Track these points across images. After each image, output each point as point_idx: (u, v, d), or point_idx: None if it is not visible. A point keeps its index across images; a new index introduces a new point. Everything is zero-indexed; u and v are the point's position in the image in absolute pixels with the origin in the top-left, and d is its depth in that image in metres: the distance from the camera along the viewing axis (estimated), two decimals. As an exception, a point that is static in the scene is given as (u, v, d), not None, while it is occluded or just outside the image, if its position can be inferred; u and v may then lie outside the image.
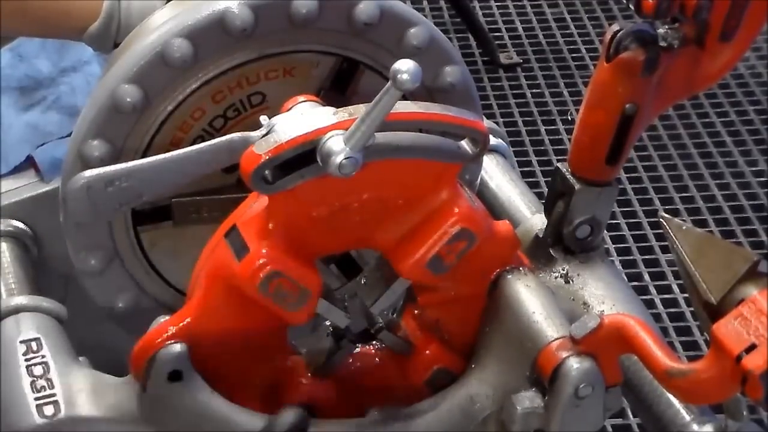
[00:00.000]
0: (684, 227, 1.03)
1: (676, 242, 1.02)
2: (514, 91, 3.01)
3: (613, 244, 2.62)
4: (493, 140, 1.40)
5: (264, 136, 1.00)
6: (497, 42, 3.13)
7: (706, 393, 0.96)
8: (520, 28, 3.24)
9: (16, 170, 1.43)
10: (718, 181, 2.78)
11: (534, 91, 2.99)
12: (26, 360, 1.10)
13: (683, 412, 1.12)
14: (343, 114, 0.99)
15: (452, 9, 3.16)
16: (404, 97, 0.97)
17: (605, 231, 2.59)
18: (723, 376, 0.92)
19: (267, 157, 0.97)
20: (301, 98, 1.06)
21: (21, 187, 1.40)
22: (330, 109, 1.01)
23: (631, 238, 2.61)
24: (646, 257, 2.54)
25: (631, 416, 2.21)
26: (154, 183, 1.02)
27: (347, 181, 0.98)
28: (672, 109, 2.98)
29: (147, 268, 1.23)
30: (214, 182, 1.19)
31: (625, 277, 2.48)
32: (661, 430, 1.13)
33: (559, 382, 1.01)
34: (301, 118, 1.00)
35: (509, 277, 1.08)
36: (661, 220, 1.05)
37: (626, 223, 2.66)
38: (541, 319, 1.05)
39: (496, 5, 3.32)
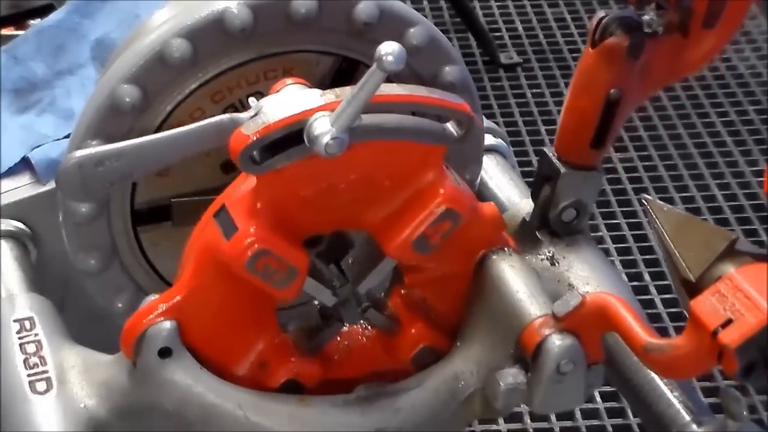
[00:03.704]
0: (665, 208, 1.06)
1: (658, 222, 1.04)
2: (515, 91, 3.01)
3: (613, 244, 2.62)
4: (493, 140, 1.42)
5: (252, 117, 1.02)
6: (497, 42, 3.14)
7: (684, 367, 0.97)
8: (520, 28, 3.24)
9: (11, 172, 1.43)
10: (718, 181, 2.78)
11: (534, 91, 3.00)
12: (20, 338, 1.12)
13: (683, 412, 1.13)
14: (329, 96, 1.01)
15: (452, 9, 3.16)
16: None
17: (605, 231, 2.61)
18: (700, 350, 0.94)
19: (255, 138, 0.99)
20: (289, 81, 1.08)
21: (20, 188, 1.41)
22: (317, 91, 1.03)
23: (632, 238, 2.61)
24: (646, 257, 2.54)
25: (631, 416, 2.22)
26: (143, 163, 1.04)
27: (334, 162, 1.00)
28: (672, 109, 2.98)
29: (147, 268, 1.25)
30: (214, 182, 1.20)
31: (626, 275, 2.49)
32: (661, 430, 1.14)
33: (542, 359, 1.03)
34: (288, 100, 1.02)
35: (494, 257, 1.10)
36: (643, 201, 1.07)
37: (626, 223, 2.66)
38: (524, 298, 1.07)
39: (496, 5, 3.32)
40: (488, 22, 3.24)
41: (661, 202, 1.06)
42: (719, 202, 2.71)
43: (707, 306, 0.94)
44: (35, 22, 1.77)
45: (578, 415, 2.19)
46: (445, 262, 1.09)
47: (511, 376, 1.05)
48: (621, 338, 1.01)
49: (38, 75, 1.59)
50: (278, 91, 1.07)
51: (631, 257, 2.58)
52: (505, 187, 1.40)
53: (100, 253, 1.20)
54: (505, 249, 1.11)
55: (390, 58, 0.95)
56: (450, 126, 1.06)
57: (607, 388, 2.21)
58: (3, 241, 1.33)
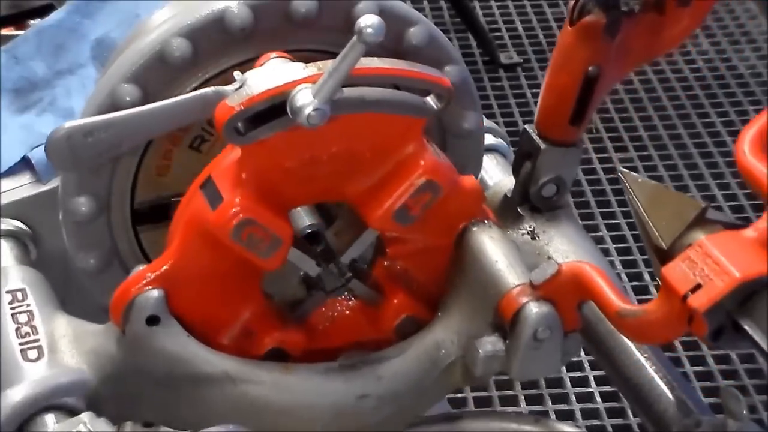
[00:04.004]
0: (640, 179, 1.08)
1: (632, 194, 1.07)
2: (514, 91, 3.04)
3: (613, 244, 2.64)
4: (493, 140, 1.43)
5: (237, 89, 1.04)
6: (497, 42, 3.17)
7: (656, 332, 1.00)
8: (520, 28, 3.27)
9: (11, 172, 1.44)
10: (718, 181, 2.80)
11: (534, 91, 3.03)
12: (12, 309, 1.15)
13: (683, 411, 1.15)
14: (312, 69, 1.04)
15: (452, 9, 3.19)
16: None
17: (606, 231, 2.62)
18: (671, 315, 0.96)
19: (239, 109, 1.01)
20: (273, 54, 1.10)
21: (20, 187, 1.41)
22: (300, 65, 1.05)
23: (632, 238, 2.64)
24: (646, 257, 2.56)
25: (631, 416, 2.24)
26: (132, 134, 1.06)
27: (316, 134, 1.02)
28: (672, 109, 3.01)
29: None
30: None
31: (626, 276, 2.51)
32: (661, 429, 1.16)
33: (519, 326, 1.06)
34: (272, 73, 1.04)
35: (474, 229, 1.13)
36: (619, 174, 1.10)
37: (626, 223, 2.68)
38: (503, 267, 1.09)
39: (496, 5, 3.35)
40: (488, 22, 3.27)
41: (636, 174, 1.09)
42: (719, 202, 2.73)
43: (678, 272, 0.96)
44: (35, 22, 1.77)
45: (578, 415, 2.22)
46: (426, 233, 1.12)
47: (490, 343, 1.08)
48: (595, 305, 1.03)
49: (38, 75, 1.59)
50: (262, 64, 1.09)
51: (631, 257, 2.60)
52: (505, 186, 1.40)
53: (100, 252, 1.21)
54: (485, 221, 1.13)
55: (370, 30, 0.97)
56: (430, 99, 1.08)
57: (607, 388, 2.24)
58: (3, 241, 1.34)
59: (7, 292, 1.16)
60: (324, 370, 1.12)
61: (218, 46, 1.15)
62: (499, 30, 3.25)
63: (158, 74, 1.14)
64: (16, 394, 1.00)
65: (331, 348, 1.16)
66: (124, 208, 1.20)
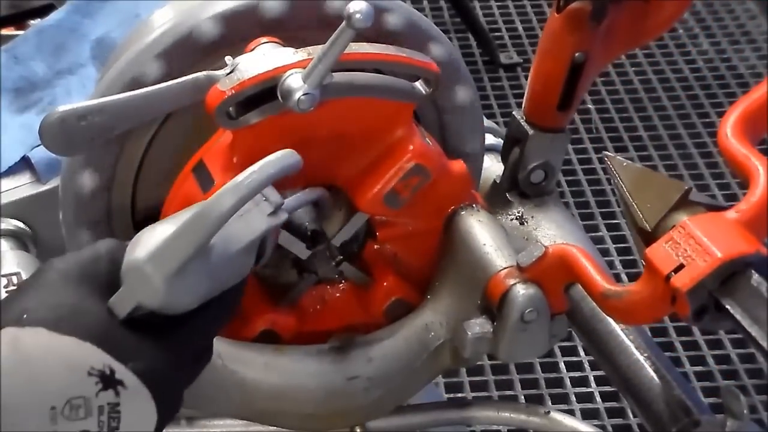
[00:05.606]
0: (625, 163, 1.10)
1: (618, 177, 1.08)
2: (514, 91, 3.05)
3: (613, 244, 2.65)
4: (493, 140, 1.44)
5: (228, 74, 1.05)
6: (497, 42, 3.18)
7: (640, 313, 1.00)
8: (520, 28, 3.28)
9: (11, 171, 1.45)
10: (718, 181, 2.81)
11: (534, 90, 3.03)
12: (6, 292, 1.17)
13: (683, 411, 1.15)
14: (302, 54, 1.05)
15: (452, 9, 3.20)
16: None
17: (606, 231, 2.63)
18: (655, 295, 0.97)
19: (230, 93, 1.03)
20: (263, 39, 1.12)
21: (20, 187, 1.42)
22: (290, 50, 1.06)
23: (631, 239, 2.63)
24: (645, 256, 2.56)
25: (631, 416, 2.24)
26: (124, 118, 1.07)
27: (306, 118, 1.04)
28: (672, 109, 3.02)
29: None
30: None
31: (626, 276, 2.52)
32: (660, 429, 1.16)
33: (507, 308, 1.07)
34: (263, 58, 1.05)
35: (463, 213, 1.14)
36: (605, 158, 1.11)
37: (626, 222, 2.68)
38: (491, 251, 1.10)
39: (496, 5, 3.36)
40: (488, 22, 3.28)
41: (621, 158, 1.10)
42: (720, 202, 2.72)
43: (661, 252, 0.97)
44: (35, 22, 1.78)
45: (578, 415, 2.22)
46: (415, 217, 1.14)
47: (478, 325, 1.09)
48: (581, 286, 1.04)
49: (38, 74, 1.60)
50: (253, 49, 1.11)
51: (631, 257, 2.61)
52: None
53: (95, 231, 1.19)
54: (474, 205, 1.15)
55: (359, 15, 0.98)
56: (419, 85, 1.10)
57: (608, 388, 2.24)
58: (3, 240, 1.35)
59: (2, 275, 1.18)
60: (315, 351, 1.14)
61: (248, 35, 1.13)
62: (499, 30, 3.26)
63: (185, 54, 1.13)
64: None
65: (322, 331, 1.18)
66: (126, 191, 1.20)
